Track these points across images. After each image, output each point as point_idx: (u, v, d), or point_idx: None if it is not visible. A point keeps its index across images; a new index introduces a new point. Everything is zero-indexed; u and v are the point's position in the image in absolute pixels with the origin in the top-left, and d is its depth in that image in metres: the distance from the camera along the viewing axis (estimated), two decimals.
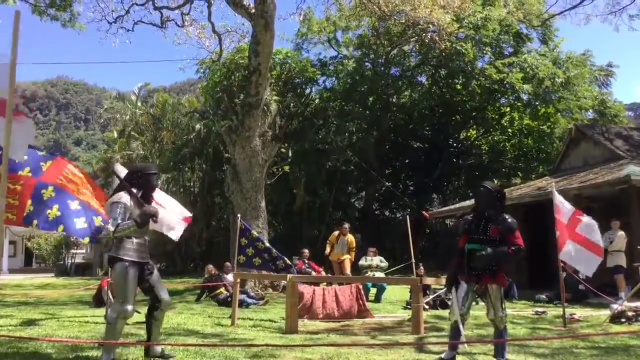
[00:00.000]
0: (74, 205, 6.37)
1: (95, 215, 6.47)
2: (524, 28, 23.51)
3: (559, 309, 8.59)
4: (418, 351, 5.88)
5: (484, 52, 22.40)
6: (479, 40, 22.19)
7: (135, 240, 4.78)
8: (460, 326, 4.91)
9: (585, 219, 8.02)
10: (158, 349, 4.97)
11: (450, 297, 5.11)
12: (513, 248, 4.80)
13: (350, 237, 12.90)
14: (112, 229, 4.57)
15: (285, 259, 8.76)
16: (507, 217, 4.96)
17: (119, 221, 4.61)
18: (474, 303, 5.11)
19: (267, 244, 9.11)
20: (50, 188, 6.28)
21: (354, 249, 12.91)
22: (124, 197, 4.80)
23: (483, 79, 22.00)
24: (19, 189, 6.15)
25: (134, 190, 4.85)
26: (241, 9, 14.45)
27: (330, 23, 24.61)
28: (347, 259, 12.70)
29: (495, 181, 25.22)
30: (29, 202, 6.19)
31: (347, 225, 13.17)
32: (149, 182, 4.96)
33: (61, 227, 6.35)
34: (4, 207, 6.07)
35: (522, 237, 4.95)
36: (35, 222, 6.26)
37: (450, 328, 5.12)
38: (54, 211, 6.23)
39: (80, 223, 6.34)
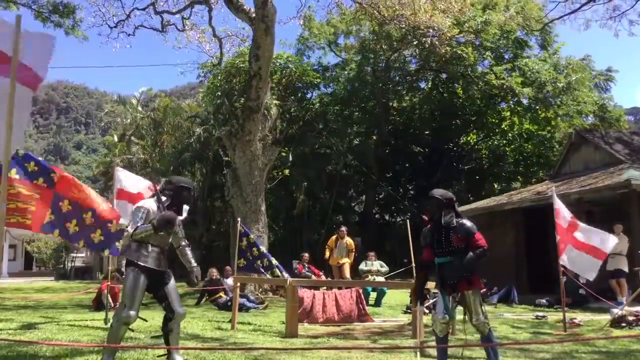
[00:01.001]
0: (88, 219, 6.59)
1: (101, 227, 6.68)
2: (523, 35, 23.55)
3: (560, 313, 8.58)
4: (418, 355, 5.87)
5: (485, 56, 22.44)
6: (480, 44, 22.24)
7: (152, 247, 4.79)
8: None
9: (582, 226, 8.02)
10: (179, 358, 4.89)
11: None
12: (477, 251, 4.78)
13: (348, 240, 12.89)
14: (131, 231, 4.68)
15: (280, 269, 8.83)
16: (464, 222, 4.91)
17: (139, 224, 4.69)
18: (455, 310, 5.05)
19: (264, 250, 9.17)
20: (66, 201, 6.53)
21: (354, 251, 12.89)
22: (148, 202, 4.89)
23: (483, 83, 22.02)
24: (37, 197, 6.29)
25: (164, 199, 4.90)
26: (242, 13, 14.51)
27: (331, 26, 24.67)
28: (347, 263, 12.68)
29: (495, 185, 25.23)
30: (49, 211, 6.38)
31: (344, 228, 13.17)
32: (180, 194, 4.99)
33: (82, 243, 6.78)
34: (21, 211, 6.26)
35: (484, 238, 4.91)
36: (57, 231, 6.62)
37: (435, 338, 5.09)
38: (72, 226, 6.57)
39: (96, 238, 6.70)
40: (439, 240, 4.93)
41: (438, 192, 5.08)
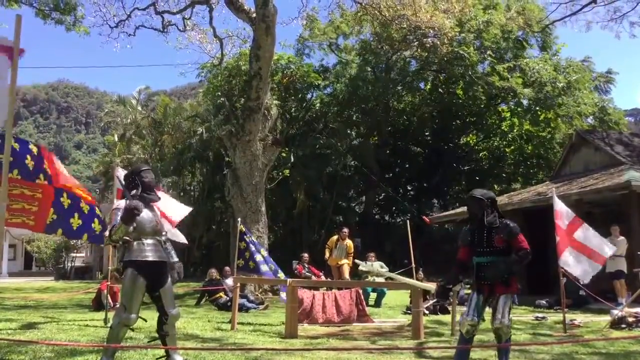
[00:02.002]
0: (86, 208, 6.52)
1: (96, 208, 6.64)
2: (523, 36, 23.56)
3: (559, 315, 8.58)
4: (418, 356, 5.87)
5: (485, 56, 22.43)
6: (481, 44, 22.22)
7: (146, 241, 4.75)
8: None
9: (583, 227, 8.00)
10: (179, 358, 4.87)
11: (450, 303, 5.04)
12: (520, 254, 4.72)
13: (349, 242, 12.88)
14: (107, 234, 4.65)
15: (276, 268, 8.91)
16: (508, 222, 4.85)
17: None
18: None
19: (263, 252, 9.21)
20: (65, 194, 6.40)
21: (352, 254, 12.89)
22: (121, 203, 4.81)
23: (484, 83, 21.96)
24: (39, 196, 6.24)
25: (135, 192, 4.85)
26: (242, 13, 14.51)
27: (333, 28, 24.66)
28: (346, 264, 12.67)
29: (495, 186, 25.23)
30: (52, 210, 6.33)
31: (346, 230, 13.15)
32: (144, 179, 4.94)
33: (85, 236, 6.66)
34: (26, 212, 6.25)
35: (526, 240, 4.87)
36: (60, 230, 6.54)
37: (459, 338, 5.01)
38: (76, 220, 6.46)
39: (96, 226, 6.55)
40: (480, 240, 4.86)
41: (479, 192, 5.03)
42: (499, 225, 4.83)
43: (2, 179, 4.49)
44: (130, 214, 4.53)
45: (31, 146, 6.15)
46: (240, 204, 13.35)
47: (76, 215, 6.50)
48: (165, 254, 4.86)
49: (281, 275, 8.95)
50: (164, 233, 5.02)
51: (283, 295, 8.88)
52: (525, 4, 22.36)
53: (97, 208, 6.75)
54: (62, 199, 6.40)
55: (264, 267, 8.91)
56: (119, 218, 4.63)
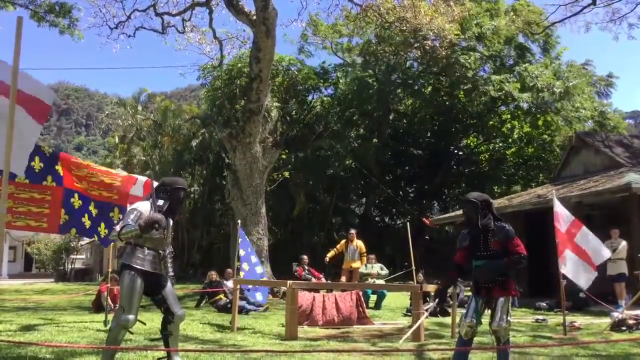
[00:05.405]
0: (94, 211, 6.60)
1: (111, 210, 6.66)
2: (525, 40, 23.57)
3: (560, 317, 8.57)
4: (418, 358, 5.87)
5: (485, 61, 22.42)
6: (481, 52, 22.23)
7: (147, 250, 4.79)
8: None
9: (583, 230, 7.99)
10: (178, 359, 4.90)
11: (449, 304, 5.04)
12: (513, 258, 4.71)
13: (358, 243, 12.79)
14: (118, 229, 4.63)
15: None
16: (503, 225, 4.84)
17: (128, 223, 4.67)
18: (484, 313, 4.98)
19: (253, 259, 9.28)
20: (77, 195, 6.50)
21: (365, 254, 12.82)
22: (142, 205, 4.85)
23: (486, 87, 21.94)
24: (49, 198, 6.30)
25: (163, 203, 4.89)
26: (242, 15, 14.53)
27: (336, 31, 24.68)
28: (359, 268, 12.58)
29: (495, 189, 25.23)
30: (63, 211, 6.42)
31: (353, 231, 13.10)
32: (175, 195, 5.00)
33: (95, 237, 6.79)
34: (34, 215, 6.28)
35: (523, 244, 4.87)
36: (74, 230, 6.76)
37: (457, 339, 5.01)
38: (87, 220, 6.54)
39: (102, 231, 6.66)
40: (477, 243, 4.85)
41: (473, 195, 5.01)
42: (494, 228, 4.82)
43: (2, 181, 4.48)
44: (150, 226, 4.61)
45: (43, 148, 6.26)
46: (240, 206, 13.35)
47: (86, 215, 6.59)
48: (161, 267, 4.90)
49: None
50: (167, 247, 5.08)
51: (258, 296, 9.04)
52: (526, 4, 22.41)
53: (112, 211, 6.76)
54: (72, 200, 6.49)
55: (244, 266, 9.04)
56: (131, 220, 4.62)
